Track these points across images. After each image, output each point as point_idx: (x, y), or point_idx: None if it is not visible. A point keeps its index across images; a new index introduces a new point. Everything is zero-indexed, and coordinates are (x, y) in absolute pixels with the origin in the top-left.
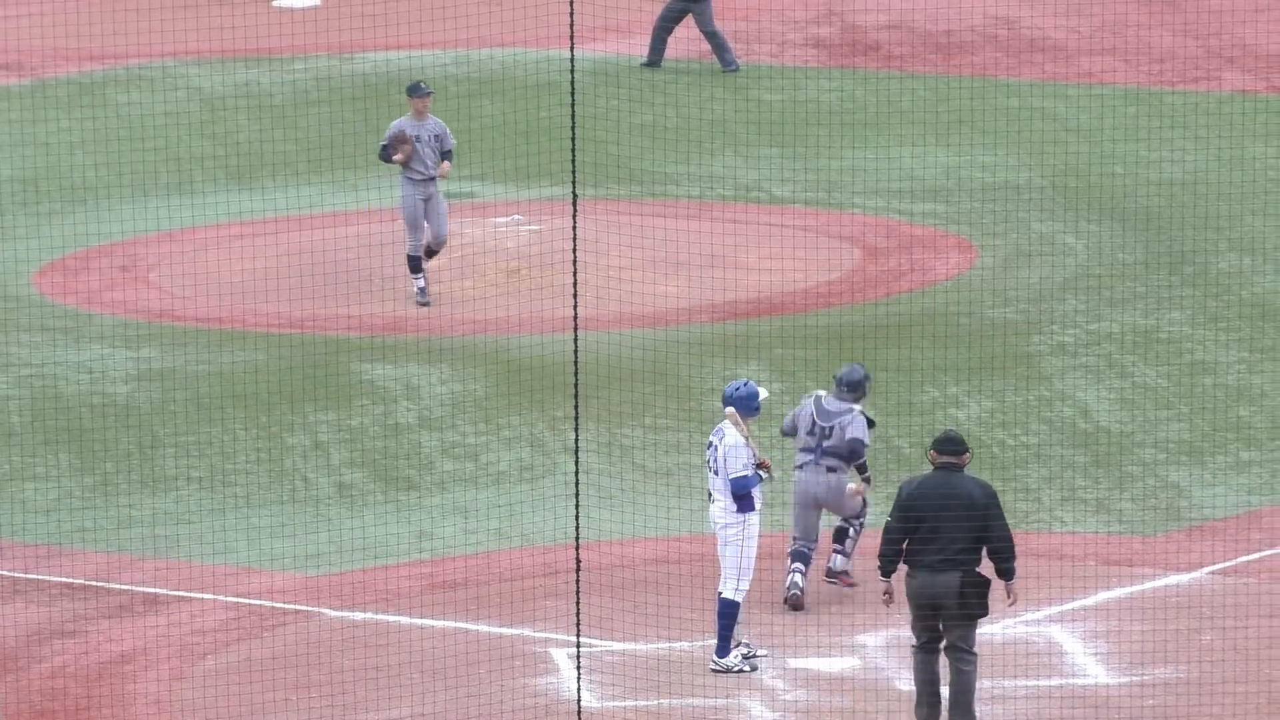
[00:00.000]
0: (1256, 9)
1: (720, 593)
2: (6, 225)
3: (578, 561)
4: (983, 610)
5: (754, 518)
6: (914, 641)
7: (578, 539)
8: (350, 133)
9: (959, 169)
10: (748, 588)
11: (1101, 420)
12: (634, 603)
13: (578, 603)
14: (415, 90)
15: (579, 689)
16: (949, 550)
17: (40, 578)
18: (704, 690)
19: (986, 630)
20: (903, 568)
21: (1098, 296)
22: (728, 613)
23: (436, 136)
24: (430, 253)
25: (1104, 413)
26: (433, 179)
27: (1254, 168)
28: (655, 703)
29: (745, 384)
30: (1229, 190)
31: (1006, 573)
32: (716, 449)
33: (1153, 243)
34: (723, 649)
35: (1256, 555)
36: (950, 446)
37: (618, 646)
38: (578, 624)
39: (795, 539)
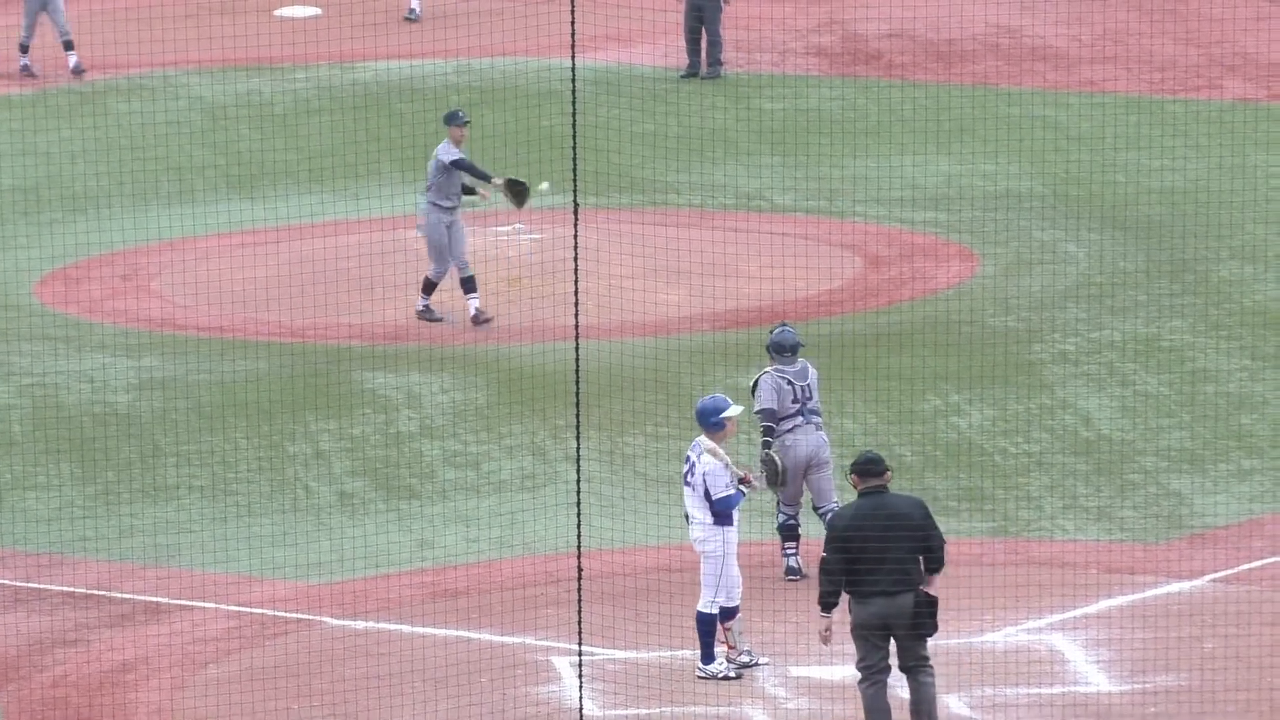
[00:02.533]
0: (1258, 18)
1: (700, 607)
2: (8, 234)
3: (579, 570)
4: (934, 628)
5: (731, 533)
6: (860, 676)
7: (579, 547)
8: (351, 141)
9: (960, 177)
10: (724, 601)
11: (1103, 428)
12: (636, 611)
13: (579, 611)
14: (454, 119)
15: (581, 698)
16: (898, 572)
17: (42, 587)
18: (706, 698)
19: (989, 638)
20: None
21: (1099, 305)
22: (706, 625)
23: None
24: (468, 282)
25: (1105, 421)
26: (457, 208)
27: (1255, 176)
28: (657, 711)
29: (710, 399)
30: (1230, 198)
31: (936, 564)
32: (695, 465)
33: (1154, 251)
34: (706, 657)
35: (1258, 563)
36: (873, 468)
37: (620, 655)
38: (579, 632)
39: (782, 510)
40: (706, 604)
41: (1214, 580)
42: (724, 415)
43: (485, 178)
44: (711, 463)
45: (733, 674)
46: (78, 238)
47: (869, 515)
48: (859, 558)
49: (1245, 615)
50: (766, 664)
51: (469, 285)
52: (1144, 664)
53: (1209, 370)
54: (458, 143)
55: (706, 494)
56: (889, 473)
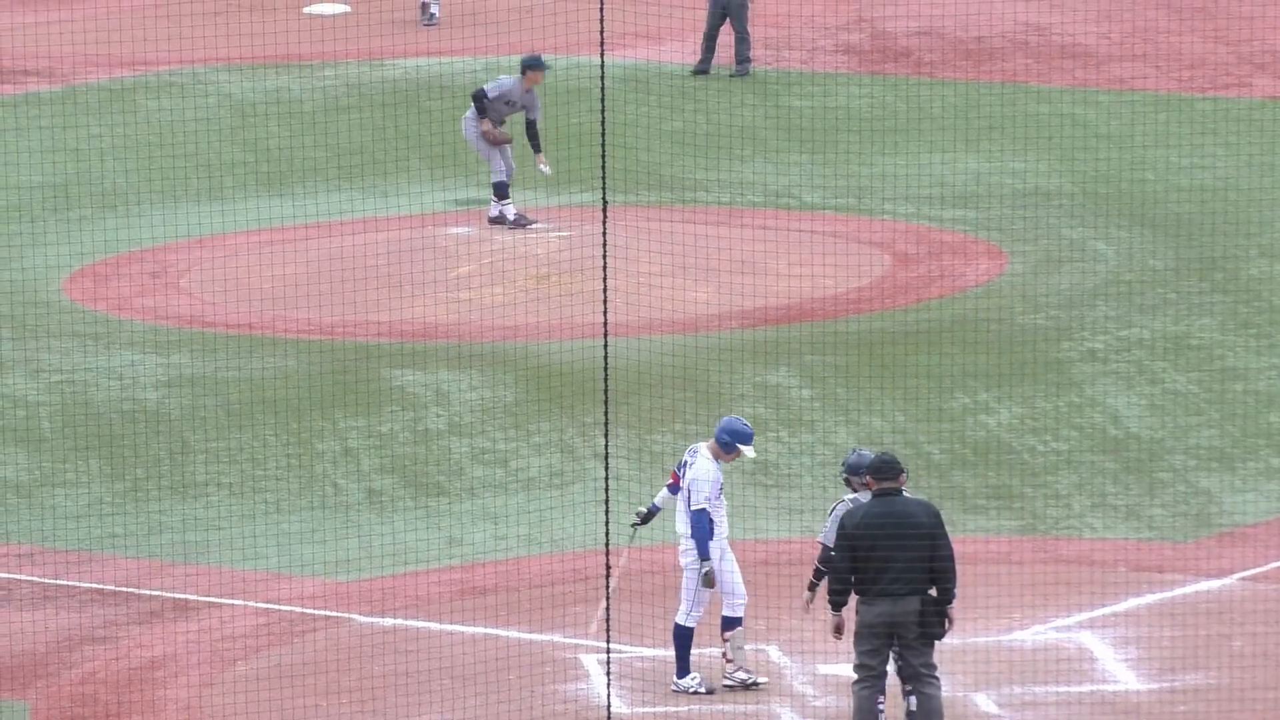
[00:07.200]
0: None
1: (678, 620)
2: (38, 231)
3: (608, 567)
4: (942, 631)
5: (712, 548)
6: (856, 677)
7: (607, 545)
8: (380, 139)
9: (989, 175)
10: (726, 610)
11: (1132, 426)
12: (664, 609)
13: (607, 609)
14: (538, 64)
15: (609, 695)
16: (906, 576)
17: (71, 584)
18: (733, 697)
19: (1017, 636)
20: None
21: (1128, 303)
22: (682, 638)
23: (525, 106)
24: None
25: (1134, 419)
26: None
27: None
28: (685, 709)
29: (741, 421)
30: (1259, 196)
31: (946, 593)
32: (687, 467)
33: (1183, 249)
34: (681, 670)
35: None
36: (888, 471)
37: (648, 653)
38: (607, 630)
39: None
40: (683, 616)
41: (1243, 579)
42: (738, 444)
43: (477, 108)
44: (703, 468)
45: (703, 690)
46: (107, 235)
47: (879, 517)
48: (867, 558)
49: (1274, 614)
50: (765, 683)
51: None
52: (1172, 662)
53: (1238, 368)
54: (531, 83)
55: (689, 502)
56: (904, 475)
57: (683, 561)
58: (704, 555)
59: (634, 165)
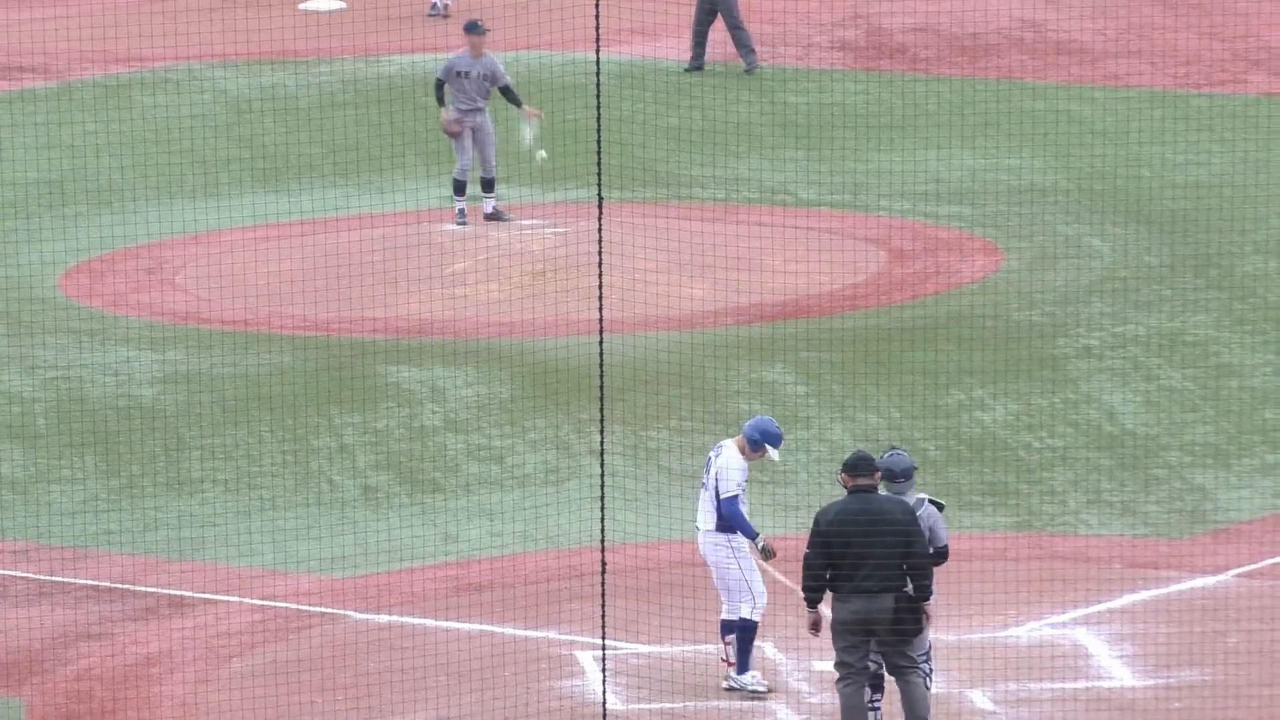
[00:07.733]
0: None
1: (738, 615)
2: (33, 227)
3: (603, 564)
4: (917, 628)
5: (738, 540)
6: (838, 674)
7: (603, 541)
8: (376, 135)
9: (985, 172)
10: (765, 605)
11: (1127, 423)
12: (659, 605)
13: (603, 605)
14: (474, 28)
15: (604, 692)
16: (880, 573)
17: (66, 580)
18: (729, 693)
19: (1012, 633)
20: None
21: (1123, 299)
22: (747, 629)
23: (485, 75)
24: (486, 184)
25: (1130, 415)
26: (479, 110)
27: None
28: (680, 705)
29: (772, 422)
30: (1255, 193)
31: (923, 590)
32: (712, 462)
33: (1178, 245)
34: (742, 666)
35: None
36: (864, 468)
37: (643, 649)
38: (603, 626)
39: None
40: (748, 610)
41: (1238, 575)
42: (766, 444)
43: (438, 99)
44: (729, 459)
45: (762, 689)
46: (102, 231)
47: (853, 514)
48: (842, 554)
49: (1269, 610)
50: (765, 688)
51: (462, 188)
52: (1168, 659)
53: (1233, 365)
54: (476, 51)
55: (716, 493)
56: (879, 473)
57: (710, 558)
58: (750, 535)
59: (630, 161)
